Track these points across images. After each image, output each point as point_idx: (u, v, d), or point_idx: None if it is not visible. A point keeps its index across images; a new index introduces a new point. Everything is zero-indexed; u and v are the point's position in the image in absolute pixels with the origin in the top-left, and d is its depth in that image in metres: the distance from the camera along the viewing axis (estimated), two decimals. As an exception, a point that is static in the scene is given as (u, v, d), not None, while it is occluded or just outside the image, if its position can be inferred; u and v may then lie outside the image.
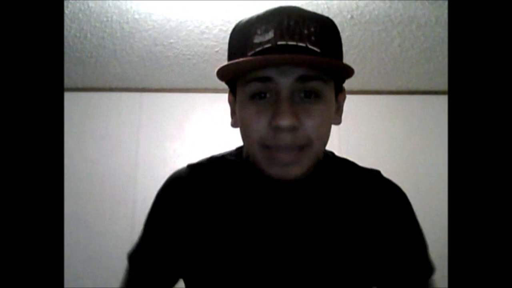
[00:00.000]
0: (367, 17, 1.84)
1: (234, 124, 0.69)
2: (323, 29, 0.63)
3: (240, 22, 0.66)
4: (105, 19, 1.86)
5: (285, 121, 0.58)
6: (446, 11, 1.80)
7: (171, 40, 2.04)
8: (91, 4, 1.75)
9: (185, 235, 0.71)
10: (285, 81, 0.59)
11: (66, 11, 1.77)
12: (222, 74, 0.62)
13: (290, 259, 0.67)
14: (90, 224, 2.42)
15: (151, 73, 2.40)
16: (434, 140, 2.50)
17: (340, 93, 0.69)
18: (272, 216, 0.68)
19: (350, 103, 2.76)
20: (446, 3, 1.73)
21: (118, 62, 2.27)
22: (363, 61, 2.23)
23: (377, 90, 2.56)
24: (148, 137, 2.54)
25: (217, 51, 2.12)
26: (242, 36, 0.63)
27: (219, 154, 0.78)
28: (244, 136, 0.65)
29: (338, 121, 0.69)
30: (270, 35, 0.59)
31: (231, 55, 0.65)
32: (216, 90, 2.49)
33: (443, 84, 2.46)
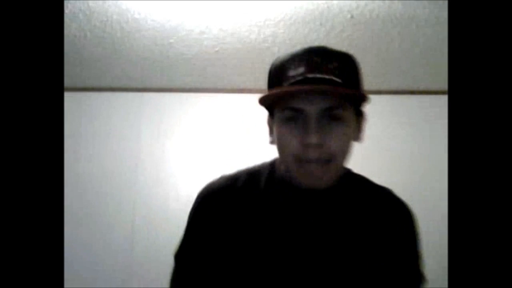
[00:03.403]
0: (367, 17, 1.84)
1: (272, 142, 0.82)
2: (345, 64, 0.77)
3: (276, 59, 0.80)
4: (105, 19, 1.86)
5: (313, 139, 0.71)
6: (446, 11, 1.80)
7: (171, 40, 2.04)
8: (91, 4, 1.75)
9: (223, 238, 0.81)
10: (313, 109, 0.72)
11: (66, 11, 1.77)
12: (264, 101, 0.76)
13: (313, 257, 0.78)
14: (90, 224, 2.42)
15: (151, 73, 2.39)
16: (434, 140, 2.50)
17: (360, 116, 0.84)
18: (301, 221, 0.80)
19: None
20: (446, 3, 1.73)
21: (118, 62, 2.26)
22: (363, 61, 2.21)
23: (377, 90, 2.56)
24: (148, 137, 2.54)
25: (217, 51, 2.11)
26: (278, 71, 0.77)
27: (254, 166, 0.90)
28: (280, 151, 0.78)
29: (359, 139, 0.83)
30: (302, 69, 0.72)
31: (270, 85, 0.79)
32: (216, 90, 2.49)
33: (443, 84, 2.46)
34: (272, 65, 0.81)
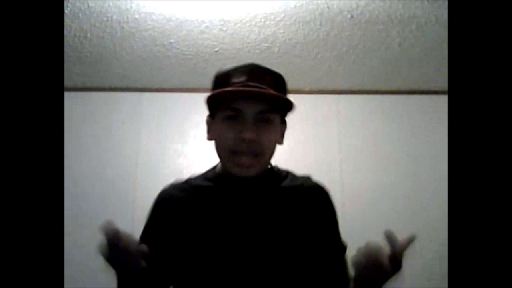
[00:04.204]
0: (367, 17, 1.84)
1: (210, 138, 0.96)
2: (278, 80, 0.94)
3: (220, 70, 0.95)
4: (105, 19, 1.86)
5: (248, 135, 0.86)
6: (446, 11, 1.80)
7: (171, 40, 2.04)
8: (91, 4, 1.75)
9: (175, 227, 0.93)
10: (250, 111, 0.88)
11: (66, 11, 1.77)
12: (210, 99, 0.91)
13: (249, 236, 0.89)
14: (90, 224, 2.42)
15: (151, 73, 2.39)
16: (434, 140, 2.50)
17: (284, 124, 0.98)
18: (236, 205, 0.93)
19: (350, 103, 2.76)
20: (446, 3, 1.73)
21: (118, 62, 2.26)
22: (363, 61, 2.23)
23: (377, 90, 2.56)
24: (148, 137, 2.54)
25: (217, 51, 2.11)
26: (223, 77, 0.92)
27: (200, 173, 1.03)
28: (219, 145, 0.93)
29: (281, 142, 0.97)
30: (244, 78, 0.89)
31: (215, 89, 0.92)
32: (216, 90, 2.48)
33: (443, 84, 2.46)
34: (217, 73, 0.96)
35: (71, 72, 2.38)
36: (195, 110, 2.58)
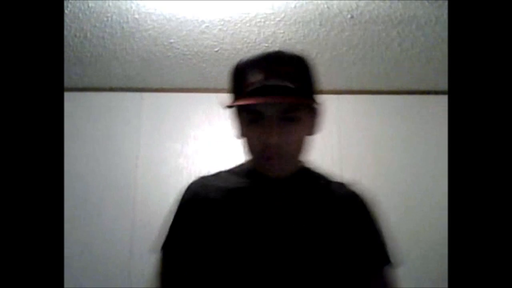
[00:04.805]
0: (367, 17, 1.84)
1: (238, 137, 0.94)
2: (300, 67, 0.89)
3: (237, 63, 0.90)
4: (105, 19, 1.86)
5: (272, 140, 0.83)
6: (446, 11, 1.80)
7: (171, 40, 2.04)
8: (91, 4, 1.75)
9: (204, 224, 0.89)
10: (271, 113, 0.84)
11: (66, 11, 1.77)
12: (227, 106, 0.88)
13: (278, 237, 0.86)
14: (90, 224, 2.42)
15: (151, 73, 2.40)
16: (434, 140, 2.50)
17: (315, 114, 0.94)
18: (267, 204, 0.89)
19: (350, 103, 2.75)
20: (446, 3, 1.73)
21: (118, 62, 2.26)
22: (363, 61, 2.23)
23: (377, 90, 2.56)
24: (148, 137, 2.54)
25: (217, 51, 2.11)
26: (239, 75, 0.88)
27: (233, 166, 1.01)
28: (247, 149, 0.91)
29: (314, 133, 0.94)
30: (261, 76, 0.83)
31: (231, 87, 0.91)
32: (216, 90, 2.49)
33: (443, 84, 2.46)
34: (233, 68, 0.91)
35: (71, 72, 2.38)
36: (195, 110, 2.59)
